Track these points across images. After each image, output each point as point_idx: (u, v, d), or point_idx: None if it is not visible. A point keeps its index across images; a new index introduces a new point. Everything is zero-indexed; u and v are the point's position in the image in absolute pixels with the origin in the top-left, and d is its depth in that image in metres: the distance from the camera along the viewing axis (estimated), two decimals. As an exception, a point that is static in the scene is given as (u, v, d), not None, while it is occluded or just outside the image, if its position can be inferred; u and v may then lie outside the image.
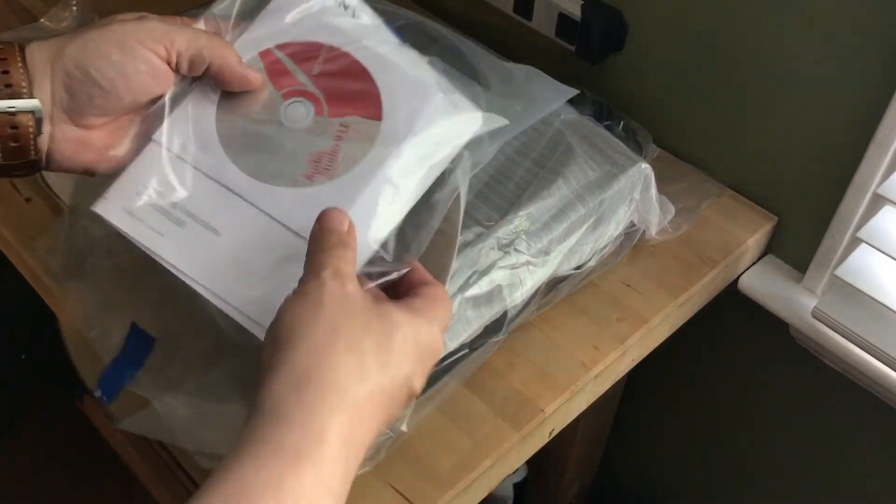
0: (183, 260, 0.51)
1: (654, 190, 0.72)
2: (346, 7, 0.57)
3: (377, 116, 0.54)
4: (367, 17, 0.58)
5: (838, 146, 0.71)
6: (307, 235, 0.47)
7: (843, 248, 0.74)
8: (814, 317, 0.76)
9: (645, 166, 0.71)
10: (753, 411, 0.98)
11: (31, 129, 0.49)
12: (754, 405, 0.97)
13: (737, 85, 0.76)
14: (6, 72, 0.48)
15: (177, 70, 0.52)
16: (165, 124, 0.53)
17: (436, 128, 0.54)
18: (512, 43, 0.93)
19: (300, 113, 0.54)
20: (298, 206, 0.51)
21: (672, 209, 0.76)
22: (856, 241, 0.74)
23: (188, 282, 0.51)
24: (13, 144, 0.49)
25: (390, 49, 0.57)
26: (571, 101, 0.75)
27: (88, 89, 0.50)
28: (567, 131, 0.72)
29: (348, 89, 0.55)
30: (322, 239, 0.46)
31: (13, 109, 0.48)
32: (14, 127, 0.48)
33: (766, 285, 0.81)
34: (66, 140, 0.51)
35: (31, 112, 0.49)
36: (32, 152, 0.50)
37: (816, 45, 0.69)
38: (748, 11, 0.72)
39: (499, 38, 0.93)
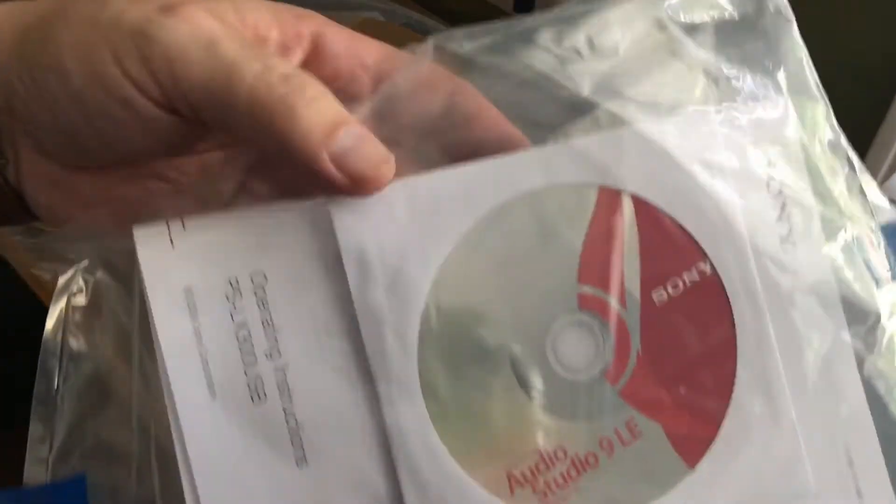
0: (204, 460, 0.26)
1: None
2: (785, 223, 0.29)
3: (694, 455, 0.26)
4: (808, 251, 0.28)
5: (838, 146, 0.71)
6: None
7: (842, 247, 0.74)
8: (813, 316, 0.76)
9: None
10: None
11: None
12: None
13: (737, 84, 0.76)
14: None
15: (196, 120, 0.25)
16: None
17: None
18: (512, 41, 0.92)
19: (579, 353, 0.27)
20: None
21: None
22: (855, 241, 0.74)
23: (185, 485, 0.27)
24: None
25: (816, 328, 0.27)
26: (571, 101, 0.76)
27: (42, 116, 0.26)
28: (567, 131, 0.72)
29: (686, 363, 0.27)
30: None
31: None
32: None
33: (766, 285, 0.81)
34: (38, 179, 0.28)
35: None
36: None
37: (816, 45, 0.69)
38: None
39: (499, 36, 0.93)
